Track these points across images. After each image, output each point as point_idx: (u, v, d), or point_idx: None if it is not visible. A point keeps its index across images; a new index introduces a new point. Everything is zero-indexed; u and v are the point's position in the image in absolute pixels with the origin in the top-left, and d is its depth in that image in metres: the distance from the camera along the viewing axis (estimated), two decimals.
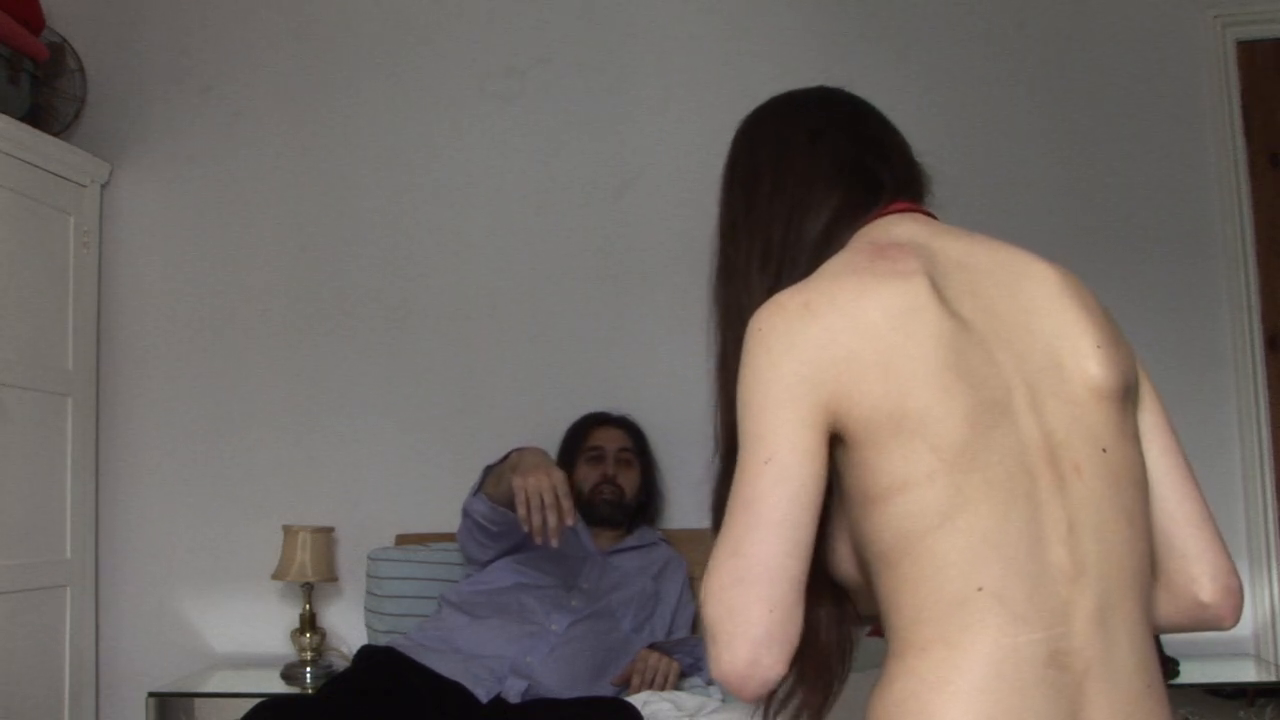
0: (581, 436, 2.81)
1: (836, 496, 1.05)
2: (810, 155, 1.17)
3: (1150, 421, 1.12)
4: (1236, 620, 1.10)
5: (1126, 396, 1.06)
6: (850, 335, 0.99)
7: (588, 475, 2.73)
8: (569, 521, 2.14)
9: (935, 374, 0.97)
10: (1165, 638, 2.67)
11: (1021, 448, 0.98)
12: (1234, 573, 1.10)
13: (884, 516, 0.98)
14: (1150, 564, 1.05)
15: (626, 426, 2.85)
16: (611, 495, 2.71)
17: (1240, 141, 2.93)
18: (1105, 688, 0.96)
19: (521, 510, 2.15)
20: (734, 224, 1.19)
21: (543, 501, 2.13)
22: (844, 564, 1.09)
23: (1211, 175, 2.94)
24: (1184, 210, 2.94)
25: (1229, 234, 2.91)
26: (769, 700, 1.06)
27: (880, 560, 0.99)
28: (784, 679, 0.99)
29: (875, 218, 1.13)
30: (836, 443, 1.01)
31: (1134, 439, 1.07)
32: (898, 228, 1.11)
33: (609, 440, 2.79)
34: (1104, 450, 1.01)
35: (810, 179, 1.16)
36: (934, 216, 1.16)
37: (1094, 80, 3.00)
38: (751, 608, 0.95)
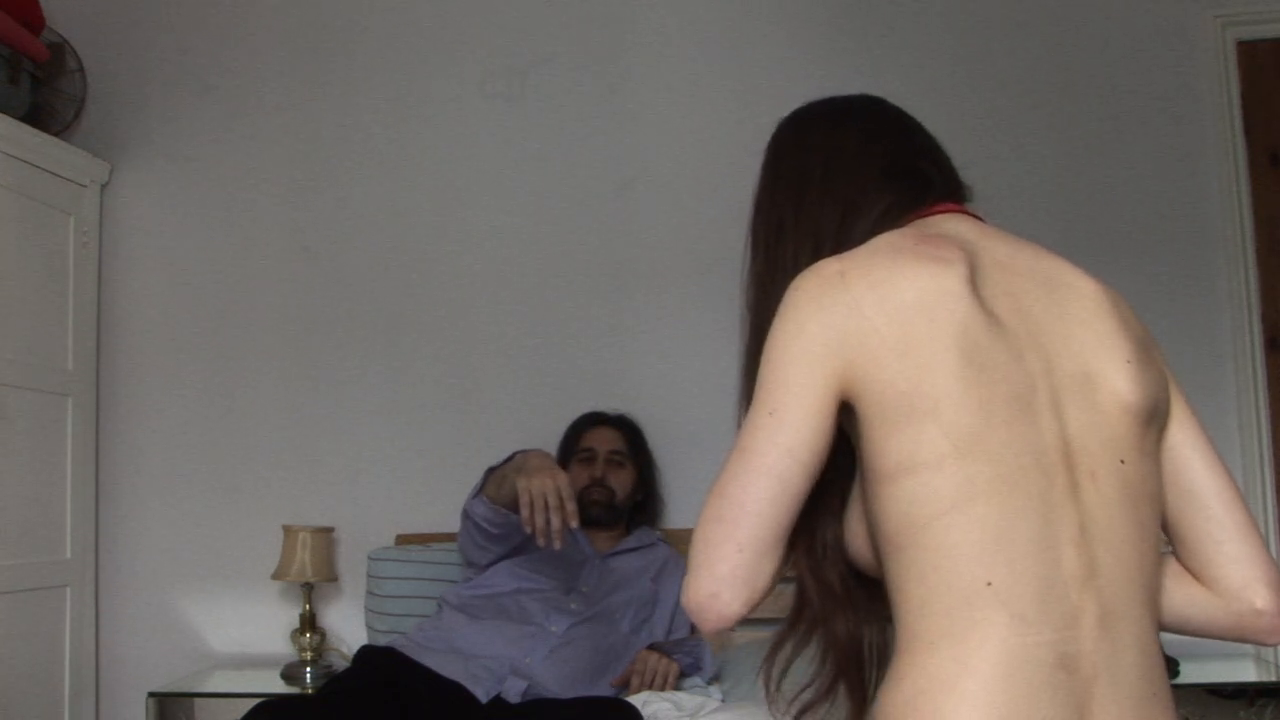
0: (576, 438, 2.81)
1: (857, 477, 1.06)
2: (863, 158, 1.18)
3: (1192, 436, 1.12)
4: None
5: (1153, 418, 1.06)
6: (876, 310, 1.00)
7: (578, 476, 2.70)
8: (572, 524, 2.14)
9: (954, 362, 0.97)
10: (1166, 638, 2.66)
11: (1039, 447, 0.98)
12: None
13: (892, 497, 0.98)
14: (1158, 575, 1.05)
15: (622, 427, 2.83)
16: (601, 497, 2.69)
17: (1240, 141, 2.93)
18: (1112, 693, 0.96)
19: (525, 511, 2.15)
20: (781, 225, 1.19)
21: (546, 503, 2.13)
22: (859, 545, 1.09)
23: (1211, 175, 2.94)
24: (1184, 210, 2.94)
25: (1229, 233, 2.91)
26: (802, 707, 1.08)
27: (889, 544, 0.99)
28: (746, 619, 1.02)
29: (925, 214, 1.14)
30: (851, 416, 1.02)
31: (1154, 458, 1.07)
32: (947, 224, 1.12)
33: (600, 441, 2.78)
34: (1122, 462, 1.02)
35: (864, 182, 1.16)
36: (982, 220, 1.16)
37: (1094, 80, 3.00)
38: (722, 545, 0.99)
